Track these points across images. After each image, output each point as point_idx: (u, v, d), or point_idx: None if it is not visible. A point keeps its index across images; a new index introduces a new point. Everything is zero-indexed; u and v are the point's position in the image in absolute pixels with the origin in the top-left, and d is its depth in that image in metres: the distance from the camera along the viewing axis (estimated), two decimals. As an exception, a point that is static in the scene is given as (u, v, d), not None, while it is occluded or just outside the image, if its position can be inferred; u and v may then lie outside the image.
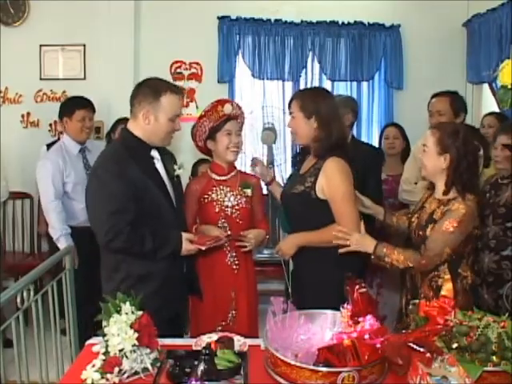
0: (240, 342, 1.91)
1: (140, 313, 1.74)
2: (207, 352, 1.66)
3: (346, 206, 2.29)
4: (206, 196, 2.56)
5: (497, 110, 4.07)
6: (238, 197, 2.57)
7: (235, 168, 2.68)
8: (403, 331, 1.79)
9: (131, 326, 1.68)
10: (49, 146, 4.08)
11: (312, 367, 1.57)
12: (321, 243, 2.34)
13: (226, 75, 4.75)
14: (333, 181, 2.30)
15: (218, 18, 4.73)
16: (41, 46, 4.58)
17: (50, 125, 4.62)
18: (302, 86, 4.86)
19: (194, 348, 1.87)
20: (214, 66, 4.75)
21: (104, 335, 1.71)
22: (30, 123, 4.64)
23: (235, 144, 2.56)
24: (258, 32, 4.75)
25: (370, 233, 2.26)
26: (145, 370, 1.70)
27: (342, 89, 4.85)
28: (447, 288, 2.13)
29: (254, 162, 2.77)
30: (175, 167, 2.35)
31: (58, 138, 4.19)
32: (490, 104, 4.57)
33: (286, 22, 4.76)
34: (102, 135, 4.43)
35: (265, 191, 2.92)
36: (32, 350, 2.12)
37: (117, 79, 4.44)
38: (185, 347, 1.88)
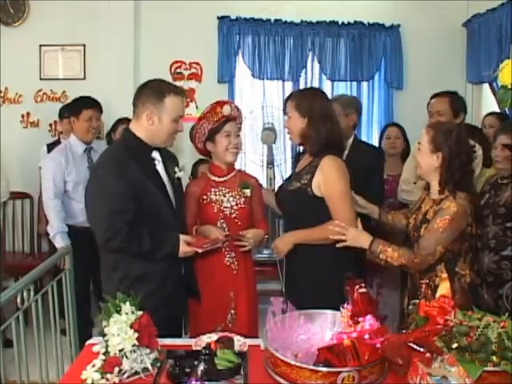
0: (240, 342, 1.91)
1: (140, 313, 1.74)
2: (207, 352, 1.65)
3: (342, 203, 2.33)
4: (204, 197, 2.56)
5: (497, 109, 4.07)
6: (237, 197, 2.57)
7: (234, 169, 2.68)
8: (403, 331, 1.79)
9: (131, 326, 1.68)
10: (49, 145, 4.10)
11: (312, 367, 1.57)
12: (317, 240, 2.36)
13: (226, 75, 4.76)
14: (330, 179, 2.33)
15: (218, 18, 4.73)
16: (41, 45, 4.59)
17: (50, 125, 4.62)
18: (301, 86, 4.86)
19: (193, 348, 1.87)
20: (213, 66, 4.75)
21: (104, 335, 1.71)
22: (29, 123, 4.64)
23: (234, 145, 2.56)
24: (258, 32, 4.75)
25: (366, 231, 2.27)
26: (145, 369, 1.70)
27: (341, 89, 4.86)
28: (444, 287, 2.12)
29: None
30: (176, 169, 2.35)
31: (58, 138, 4.20)
32: (490, 104, 4.57)
33: (285, 22, 4.76)
34: (102, 135, 4.43)
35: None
36: (32, 349, 2.12)
37: (117, 79, 4.45)
38: (185, 347, 1.88)
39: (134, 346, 1.67)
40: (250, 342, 1.93)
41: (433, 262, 2.18)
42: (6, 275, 3.92)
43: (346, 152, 3.18)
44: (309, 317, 1.86)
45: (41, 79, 4.62)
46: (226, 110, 2.52)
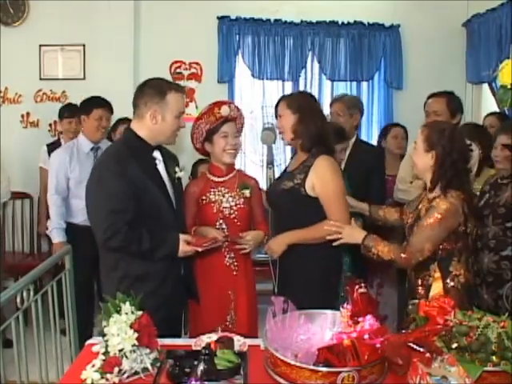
0: (240, 342, 1.91)
1: (140, 313, 1.74)
2: (207, 352, 1.65)
3: (337, 202, 2.38)
4: (204, 197, 2.56)
5: (497, 110, 4.07)
6: (237, 198, 2.56)
7: (234, 169, 2.68)
8: (403, 331, 1.79)
9: (131, 326, 1.68)
10: (49, 146, 4.11)
11: (312, 367, 1.57)
12: (311, 240, 2.39)
13: (226, 75, 4.76)
14: (324, 179, 2.37)
15: (218, 18, 4.73)
16: (40, 45, 4.58)
17: (50, 125, 4.62)
18: (301, 86, 4.88)
19: (193, 348, 1.87)
20: (213, 66, 4.75)
21: (104, 335, 1.71)
22: (29, 123, 4.64)
23: (232, 146, 2.55)
24: (258, 32, 4.76)
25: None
26: (145, 369, 1.70)
27: (341, 89, 4.86)
28: (437, 286, 2.13)
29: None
30: (176, 169, 2.36)
31: (58, 138, 4.20)
32: (489, 104, 4.57)
33: (285, 22, 4.77)
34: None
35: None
36: (32, 349, 2.11)
37: (116, 79, 4.44)
38: (185, 347, 1.88)
39: (133, 346, 1.67)
40: (249, 342, 1.93)
41: (426, 261, 2.18)
42: (5, 275, 3.92)
43: (348, 152, 3.20)
44: (309, 317, 1.86)
45: (40, 79, 4.62)
46: (225, 110, 2.52)
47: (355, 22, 4.79)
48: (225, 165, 2.60)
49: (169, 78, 4.53)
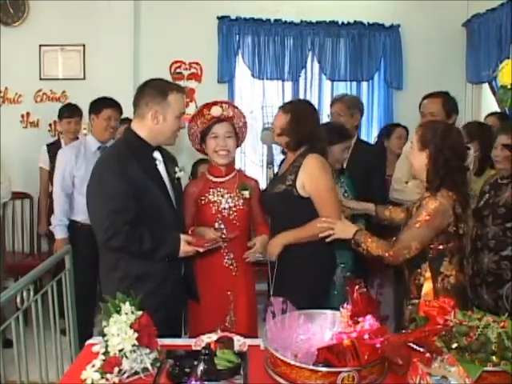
0: (240, 342, 1.91)
1: (140, 313, 1.74)
2: (207, 352, 1.65)
3: (328, 199, 2.43)
4: (202, 198, 2.54)
5: (497, 109, 4.07)
6: (236, 198, 2.54)
7: (234, 169, 2.66)
8: (403, 331, 1.79)
9: (131, 326, 1.68)
10: (48, 146, 4.11)
11: (312, 367, 1.57)
12: (306, 238, 2.43)
13: (226, 75, 4.76)
14: (313, 176, 2.42)
15: (218, 18, 4.74)
16: (40, 45, 4.58)
17: (50, 125, 4.62)
18: (301, 86, 4.89)
19: (193, 348, 1.87)
20: (213, 66, 4.75)
21: (104, 335, 1.71)
22: (29, 123, 4.64)
23: (222, 147, 2.52)
24: (258, 32, 4.76)
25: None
26: (145, 370, 1.70)
27: (341, 89, 4.87)
28: (427, 286, 2.13)
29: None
30: (176, 169, 2.36)
31: (58, 138, 4.19)
32: (490, 104, 4.58)
33: (285, 22, 4.77)
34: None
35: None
36: (32, 349, 2.11)
37: (116, 79, 4.44)
38: (184, 347, 1.88)
39: (133, 346, 1.67)
40: (249, 341, 1.93)
41: (418, 260, 2.18)
42: (5, 275, 3.92)
43: (349, 151, 3.20)
44: (308, 317, 1.86)
45: (40, 79, 4.62)
46: (216, 111, 2.51)
47: (355, 22, 4.79)
48: (224, 165, 2.59)
49: (169, 78, 4.54)
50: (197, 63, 4.81)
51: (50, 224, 4.03)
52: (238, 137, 2.62)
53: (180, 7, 4.67)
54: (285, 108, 2.57)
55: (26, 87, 4.58)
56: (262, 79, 4.82)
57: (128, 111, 2.33)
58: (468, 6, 4.74)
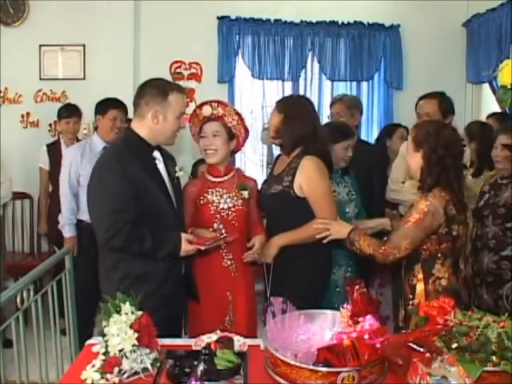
0: (240, 342, 1.91)
1: (140, 313, 1.74)
2: (207, 352, 1.65)
3: (324, 200, 2.44)
4: (201, 198, 2.53)
5: (498, 109, 4.08)
6: (235, 199, 2.53)
7: (233, 169, 2.64)
8: (403, 331, 1.79)
9: (131, 326, 1.68)
10: (48, 146, 4.11)
11: (312, 367, 1.57)
12: (302, 240, 2.44)
13: (226, 75, 4.76)
14: (310, 178, 2.43)
15: (218, 18, 4.74)
16: (40, 45, 4.58)
17: (50, 125, 4.61)
18: (301, 86, 4.89)
19: (193, 348, 1.87)
20: (213, 66, 4.75)
21: (104, 335, 1.71)
22: (29, 123, 4.64)
23: (207, 146, 2.51)
24: (258, 32, 4.76)
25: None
26: (145, 370, 1.70)
27: (341, 89, 4.87)
28: (420, 287, 2.15)
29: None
30: (176, 169, 2.36)
31: (58, 139, 4.19)
32: (489, 104, 4.58)
33: (285, 21, 4.77)
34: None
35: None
36: (32, 349, 2.11)
37: (116, 79, 4.44)
38: (184, 347, 1.88)
39: (133, 346, 1.67)
40: (249, 341, 1.93)
41: (412, 261, 2.18)
42: (5, 275, 3.92)
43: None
44: (308, 317, 1.86)
45: (40, 79, 4.62)
46: (206, 110, 2.51)
47: (355, 22, 4.79)
48: (223, 165, 2.57)
49: (169, 78, 4.53)
50: (197, 63, 4.81)
51: (49, 224, 4.06)
52: (234, 135, 2.57)
53: (180, 7, 4.67)
54: (279, 106, 2.56)
55: (26, 87, 4.58)
56: (262, 79, 4.82)
57: (128, 111, 2.33)
58: (468, 5, 4.74)
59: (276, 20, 4.75)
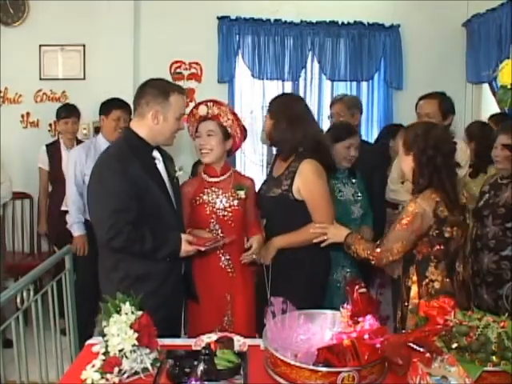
0: (240, 342, 1.91)
1: (140, 313, 1.74)
2: (207, 352, 1.65)
3: (322, 204, 2.45)
4: (197, 198, 2.52)
5: (498, 110, 4.08)
6: (231, 199, 2.51)
7: (230, 169, 2.62)
8: (403, 331, 1.79)
9: (131, 326, 1.68)
10: (48, 146, 4.10)
11: (312, 367, 1.57)
12: (300, 243, 2.46)
13: (226, 75, 4.76)
14: (309, 182, 2.44)
15: (218, 18, 4.73)
16: (40, 45, 4.58)
17: (50, 125, 4.61)
18: (301, 86, 4.89)
19: (193, 348, 1.87)
20: (213, 66, 4.75)
21: (104, 335, 1.71)
22: (29, 123, 4.64)
23: (202, 145, 2.50)
24: (258, 32, 4.76)
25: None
26: (145, 370, 1.70)
27: (341, 89, 4.86)
28: (414, 290, 2.16)
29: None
30: (176, 168, 2.36)
31: (58, 139, 4.19)
32: (489, 104, 4.58)
33: (285, 21, 4.77)
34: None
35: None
36: (32, 349, 2.11)
37: (116, 79, 4.44)
38: (184, 347, 1.88)
39: (133, 346, 1.67)
40: (249, 341, 1.93)
41: (408, 263, 2.19)
42: (5, 275, 3.92)
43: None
44: (308, 317, 1.86)
45: (40, 79, 4.61)
46: (202, 110, 2.51)
47: (355, 22, 4.79)
48: (219, 165, 2.56)
49: (169, 78, 4.53)
50: (197, 63, 4.80)
51: (49, 224, 4.07)
52: (230, 134, 2.54)
53: (180, 7, 4.66)
54: (270, 111, 2.57)
55: (25, 87, 4.58)
56: (262, 79, 4.82)
57: (132, 111, 2.33)
58: (468, 5, 4.74)
59: (276, 20, 4.75)
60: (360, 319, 1.73)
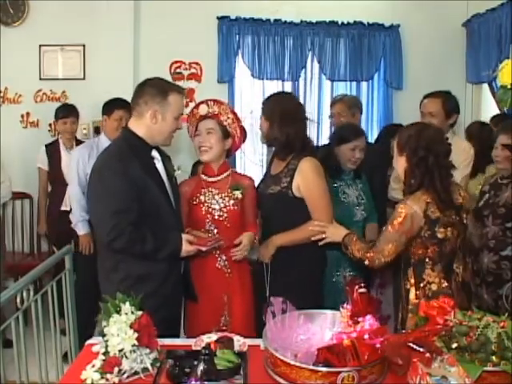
0: (240, 342, 1.91)
1: (140, 313, 1.74)
2: (207, 352, 1.65)
3: (321, 202, 2.48)
4: (194, 198, 2.51)
5: (498, 110, 4.08)
6: (227, 199, 2.49)
7: (228, 169, 2.60)
8: (403, 331, 1.79)
9: (131, 326, 1.68)
10: (47, 146, 4.10)
11: (312, 367, 1.57)
12: (299, 241, 2.47)
13: (226, 75, 4.76)
14: (308, 180, 2.46)
15: (218, 18, 4.73)
16: (40, 45, 4.57)
17: (50, 125, 4.60)
18: (301, 86, 4.89)
19: (193, 348, 1.87)
20: (213, 66, 4.75)
21: (104, 335, 1.71)
22: (29, 123, 4.63)
23: (201, 143, 2.50)
24: (258, 32, 4.76)
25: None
26: (144, 370, 1.70)
27: (341, 89, 4.87)
28: (412, 292, 2.16)
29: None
30: (175, 168, 2.35)
31: (57, 139, 4.19)
32: (489, 104, 4.58)
33: (285, 21, 4.77)
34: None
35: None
36: (32, 350, 2.11)
37: (116, 79, 4.44)
38: (184, 347, 1.88)
39: (133, 346, 1.67)
40: (249, 341, 1.93)
41: (405, 265, 2.19)
42: (5, 275, 3.92)
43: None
44: (308, 317, 1.86)
45: (40, 79, 4.61)
46: (202, 109, 2.51)
47: (355, 22, 4.79)
48: (217, 164, 2.54)
49: (169, 78, 4.53)
50: (197, 63, 4.80)
51: (49, 224, 4.06)
52: (229, 133, 2.54)
53: (180, 7, 4.66)
54: (265, 112, 2.59)
55: (25, 87, 4.58)
56: (262, 79, 4.82)
57: (128, 111, 2.33)
58: (468, 5, 4.74)
59: (276, 20, 4.75)
60: (360, 319, 1.73)
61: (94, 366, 1.66)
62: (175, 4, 4.65)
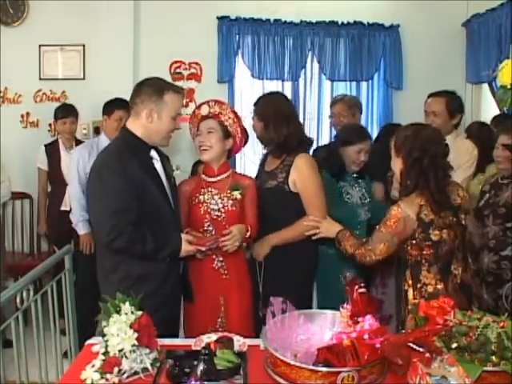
0: (239, 342, 1.91)
1: (139, 313, 1.74)
2: (207, 352, 1.65)
3: (316, 197, 2.55)
4: (194, 197, 2.50)
5: (498, 110, 4.08)
6: (225, 199, 2.48)
7: (229, 169, 2.58)
8: (403, 331, 1.79)
9: (131, 326, 1.68)
10: (47, 146, 4.10)
11: (311, 367, 1.57)
12: (293, 239, 2.52)
13: (226, 75, 4.76)
14: (304, 175, 2.53)
15: (218, 18, 4.73)
16: (40, 45, 4.57)
17: (50, 125, 4.60)
18: (301, 86, 4.90)
19: (193, 348, 1.87)
20: (213, 66, 4.75)
21: (104, 335, 1.71)
22: (29, 123, 4.63)
23: (202, 143, 2.49)
24: (258, 32, 4.76)
25: None
26: (144, 370, 1.70)
27: (341, 89, 4.87)
28: (410, 293, 2.16)
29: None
30: (174, 167, 2.35)
31: (57, 139, 4.19)
32: (489, 104, 4.58)
33: (285, 21, 4.77)
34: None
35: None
36: (32, 350, 2.11)
37: (116, 79, 4.44)
38: (184, 347, 1.88)
39: (133, 346, 1.67)
40: (249, 341, 1.93)
41: (403, 266, 2.19)
42: (5, 275, 3.92)
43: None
44: (308, 317, 1.86)
45: (40, 79, 4.61)
46: (204, 109, 2.51)
47: (355, 22, 4.79)
48: (217, 164, 2.53)
49: (168, 77, 4.54)
50: (197, 63, 4.80)
51: (49, 224, 4.06)
52: (230, 133, 2.52)
53: (180, 7, 4.66)
54: (257, 113, 2.65)
55: (25, 87, 4.57)
56: (262, 79, 4.82)
57: (128, 111, 2.33)
58: (468, 5, 4.74)
59: (276, 20, 4.75)
60: (360, 319, 1.73)
61: (93, 366, 1.66)
62: (175, 4, 4.65)
